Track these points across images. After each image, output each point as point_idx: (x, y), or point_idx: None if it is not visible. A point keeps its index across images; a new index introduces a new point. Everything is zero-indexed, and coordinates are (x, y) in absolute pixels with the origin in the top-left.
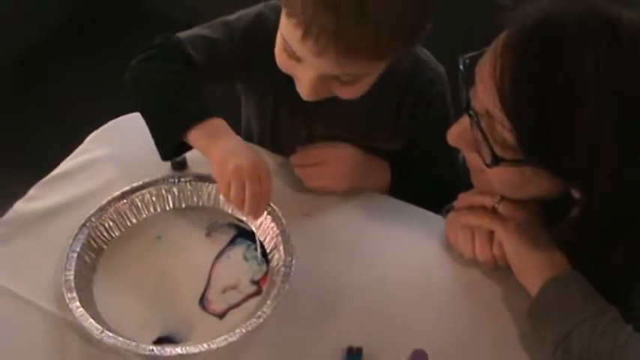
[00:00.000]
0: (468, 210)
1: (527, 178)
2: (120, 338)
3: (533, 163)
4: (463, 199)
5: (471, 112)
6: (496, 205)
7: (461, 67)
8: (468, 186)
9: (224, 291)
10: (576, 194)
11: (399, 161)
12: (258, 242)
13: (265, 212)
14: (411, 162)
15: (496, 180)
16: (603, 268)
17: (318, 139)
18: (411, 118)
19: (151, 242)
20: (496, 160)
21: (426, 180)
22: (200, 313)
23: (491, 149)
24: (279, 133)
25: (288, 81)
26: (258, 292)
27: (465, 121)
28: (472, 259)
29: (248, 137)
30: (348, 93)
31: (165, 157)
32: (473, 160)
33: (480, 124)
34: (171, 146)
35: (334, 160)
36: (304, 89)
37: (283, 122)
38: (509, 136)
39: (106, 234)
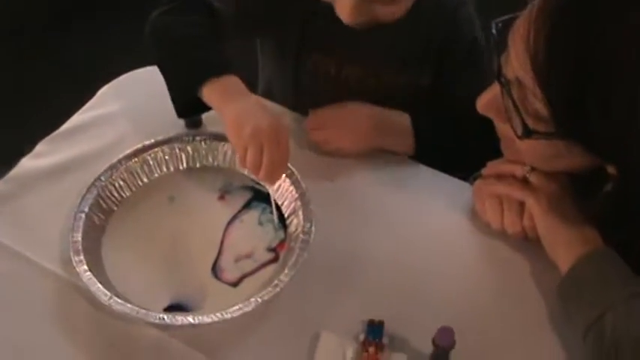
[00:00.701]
0: (497, 178)
1: (559, 152)
2: (129, 305)
3: (566, 136)
4: (492, 166)
5: (502, 80)
6: (527, 175)
7: (493, 31)
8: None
9: (237, 260)
10: (611, 170)
11: (425, 106)
12: (274, 205)
13: (284, 175)
14: (438, 105)
15: (527, 152)
16: (637, 247)
17: (347, 84)
18: (441, 41)
19: (163, 203)
20: (527, 133)
21: (451, 132)
22: (213, 281)
23: (523, 120)
24: (303, 87)
25: (315, 16)
26: (274, 260)
27: (495, 88)
28: (500, 230)
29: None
30: (388, 13)
31: (180, 113)
32: (503, 129)
33: (510, 93)
34: (186, 101)
35: (350, 120)
36: (346, 10)
37: (309, 71)
38: (541, 107)
39: (116, 194)
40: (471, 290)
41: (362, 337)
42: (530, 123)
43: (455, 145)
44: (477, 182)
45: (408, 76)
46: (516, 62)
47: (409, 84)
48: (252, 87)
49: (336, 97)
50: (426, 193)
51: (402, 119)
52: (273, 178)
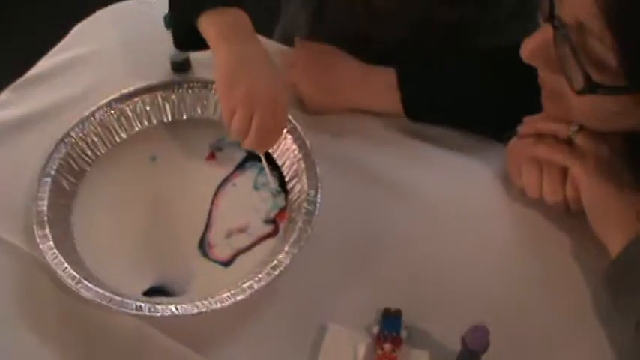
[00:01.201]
0: (536, 139)
1: (624, 109)
2: (100, 290)
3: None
4: (530, 124)
5: (555, 23)
6: (572, 136)
7: None
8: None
9: (229, 235)
10: None
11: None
12: (265, 164)
13: (285, 130)
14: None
15: (582, 109)
16: None
17: (375, 18)
18: None
19: (144, 164)
20: (591, 87)
21: (458, 87)
22: (201, 259)
23: (585, 72)
24: (328, 24)
25: None
26: (273, 233)
27: (546, 32)
28: (537, 199)
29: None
30: None
31: (177, 43)
32: (551, 81)
33: (569, 39)
34: (185, 30)
35: (325, 64)
36: None
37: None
38: (609, 57)
39: (89, 152)
40: (505, 277)
41: (376, 329)
42: (593, 75)
43: (460, 103)
44: (512, 142)
45: (445, 12)
46: (577, 1)
47: (444, 21)
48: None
49: (359, 34)
50: (453, 158)
51: (386, 75)
52: (259, 148)
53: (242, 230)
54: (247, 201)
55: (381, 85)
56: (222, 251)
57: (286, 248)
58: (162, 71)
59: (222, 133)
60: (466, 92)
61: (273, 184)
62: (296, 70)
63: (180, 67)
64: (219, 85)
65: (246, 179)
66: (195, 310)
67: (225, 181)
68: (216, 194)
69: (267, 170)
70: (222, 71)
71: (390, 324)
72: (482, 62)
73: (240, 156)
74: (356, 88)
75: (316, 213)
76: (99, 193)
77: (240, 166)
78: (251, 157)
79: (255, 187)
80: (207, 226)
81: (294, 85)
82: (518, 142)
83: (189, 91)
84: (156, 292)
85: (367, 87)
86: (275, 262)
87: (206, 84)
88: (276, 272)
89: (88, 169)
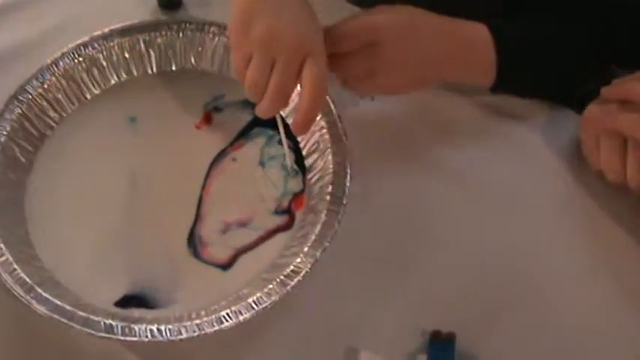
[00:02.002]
0: (620, 106)
1: None
2: (59, 303)
3: None
4: (617, 86)
5: None
6: None
7: None
8: None
9: (225, 229)
10: None
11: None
12: (283, 134)
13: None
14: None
15: None
16: None
17: None
18: None
19: (121, 128)
20: None
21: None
22: (191, 260)
23: None
24: None
25: None
26: (286, 226)
27: None
28: (618, 183)
29: None
30: None
31: None
32: None
33: None
34: None
35: (393, 33)
36: None
37: None
38: None
39: (50, 113)
40: (592, 292)
41: (422, 359)
42: None
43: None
44: (590, 108)
45: None
46: None
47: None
48: None
49: None
50: (514, 129)
51: (479, 29)
52: (276, 110)
53: (243, 224)
54: (251, 183)
55: (477, 40)
56: (218, 251)
57: (305, 249)
58: (146, 8)
59: (220, 89)
60: (567, 50)
61: (290, 159)
62: (381, 50)
63: (170, 3)
64: (232, 23)
65: (249, 152)
66: (184, 335)
67: (222, 154)
68: (208, 173)
69: (284, 141)
70: (240, 5)
71: (441, 353)
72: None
73: (244, 120)
74: (448, 51)
75: (345, 201)
76: (62, 167)
77: (245, 134)
78: (260, 121)
79: (262, 163)
80: (198, 218)
81: (359, 81)
82: (598, 109)
83: (180, 34)
84: (133, 301)
85: (460, 44)
86: (291, 267)
87: (202, 26)
88: (293, 283)
89: (48, 133)
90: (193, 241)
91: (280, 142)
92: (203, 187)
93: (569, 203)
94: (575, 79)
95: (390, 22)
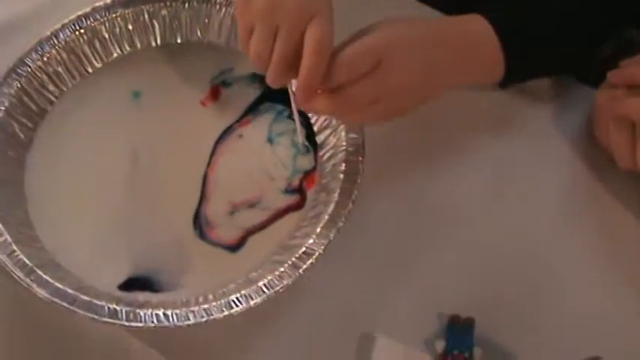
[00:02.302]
0: (628, 90)
1: None
2: (60, 286)
3: None
4: (620, 72)
5: None
6: None
7: None
8: None
9: (233, 210)
10: None
11: None
12: (295, 108)
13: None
14: None
15: None
16: None
17: None
18: None
19: (124, 103)
20: None
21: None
22: (198, 242)
23: None
24: None
25: None
26: (297, 205)
27: None
28: (629, 169)
29: None
30: None
31: None
32: None
33: None
34: None
35: (397, 52)
36: None
37: None
38: None
39: (50, 87)
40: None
41: (440, 346)
42: None
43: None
44: (599, 94)
45: None
46: None
47: None
48: None
49: None
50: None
51: (476, 21)
52: (283, 81)
53: (252, 205)
54: (258, 161)
55: (480, 38)
56: (226, 232)
57: (318, 230)
58: None
59: (229, 63)
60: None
61: (301, 135)
62: (386, 72)
63: None
64: None
65: (257, 128)
66: (191, 320)
67: (228, 131)
68: (214, 151)
69: (296, 115)
70: None
71: (460, 337)
72: None
73: (252, 95)
74: (454, 56)
75: (359, 180)
76: (63, 144)
77: (253, 109)
78: (270, 96)
79: (270, 140)
80: (203, 198)
81: (377, 102)
82: (608, 93)
83: (186, 5)
84: (137, 284)
85: (465, 46)
86: (303, 249)
87: None
88: (306, 265)
89: (48, 108)
90: (199, 222)
91: (291, 117)
92: (208, 165)
93: (582, 190)
94: (587, 53)
95: (392, 41)
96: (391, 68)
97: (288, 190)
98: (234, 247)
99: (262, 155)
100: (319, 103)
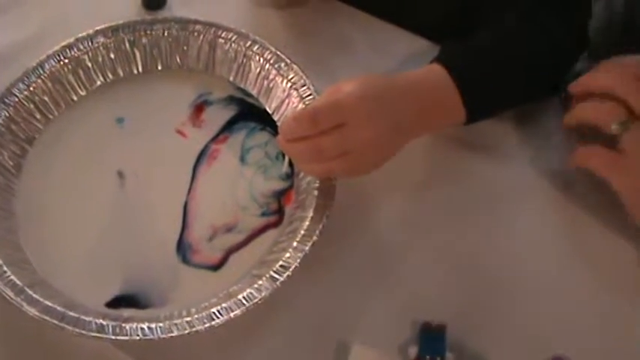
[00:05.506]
0: (589, 100)
1: None
2: (50, 304)
3: None
4: (584, 80)
5: None
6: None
7: None
8: None
9: (212, 237)
10: None
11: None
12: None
13: (286, 83)
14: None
15: None
16: None
17: None
18: None
19: (108, 129)
20: None
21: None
22: (182, 266)
23: None
24: None
25: None
26: (276, 222)
27: None
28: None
29: None
30: None
31: None
32: None
33: None
34: None
35: (361, 112)
36: None
37: None
38: None
39: (37, 115)
40: (584, 291)
41: (413, 351)
42: None
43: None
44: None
45: None
46: None
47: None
48: None
49: None
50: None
51: (436, 74)
52: None
53: (229, 229)
54: (232, 182)
55: (439, 85)
56: (208, 254)
57: (294, 244)
58: (130, 8)
59: (207, 87)
60: (514, 52)
61: (285, 166)
62: (351, 130)
63: (153, 2)
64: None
65: (231, 148)
66: (175, 333)
67: (205, 150)
68: (194, 176)
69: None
70: None
71: (432, 344)
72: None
73: (227, 114)
74: (417, 108)
75: (333, 196)
76: (50, 170)
77: (227, 128)
78: (241, 116)
79: (242, 159)
80: (185, 225)
81: (345, 155)
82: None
83: (165, 33)
84: (124, 302)
85: (426, 95)
86: (280, 263)
87: (186, 24)
88: (282, 278)
89: (36, 136)
90: (182, 249)
91: (264, 129)
92: (189, 192)
93: (554, 201)
94: (549, 79)
95: (355, 100)
96: (358, 124)
97: (266, 213)
98: (217, 267)
99: (234, 185)
100: (292, 147)
